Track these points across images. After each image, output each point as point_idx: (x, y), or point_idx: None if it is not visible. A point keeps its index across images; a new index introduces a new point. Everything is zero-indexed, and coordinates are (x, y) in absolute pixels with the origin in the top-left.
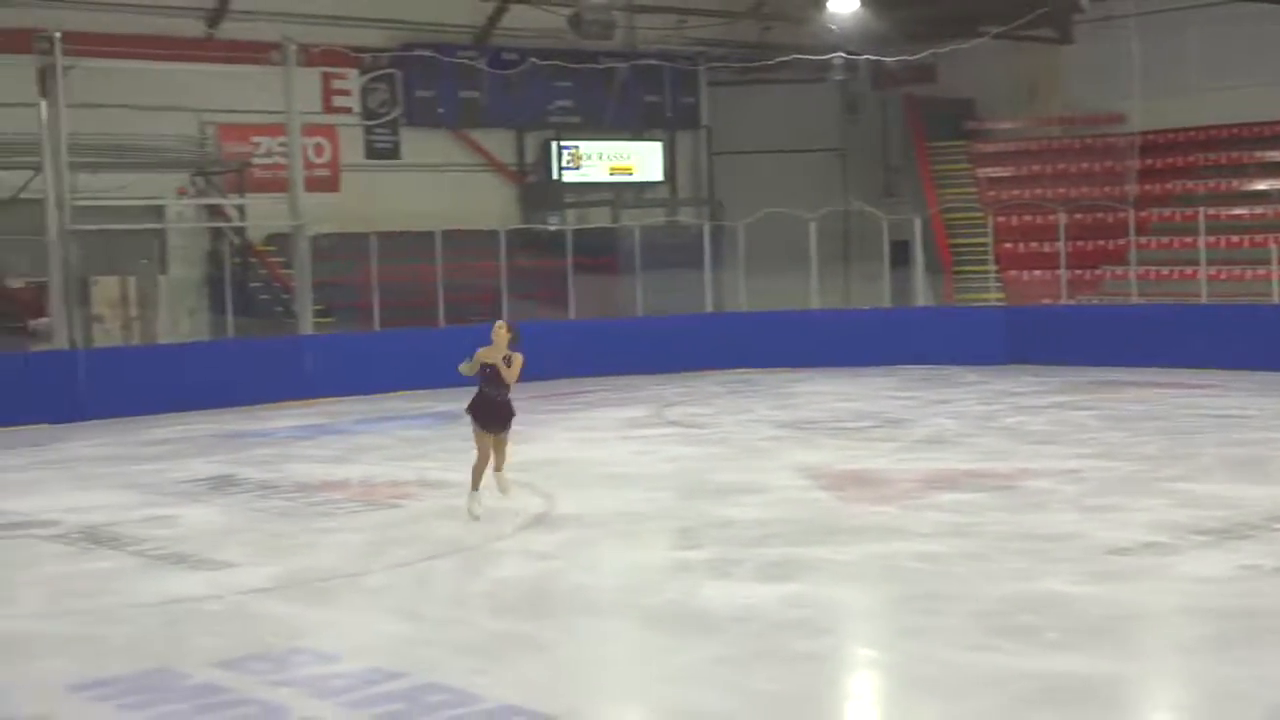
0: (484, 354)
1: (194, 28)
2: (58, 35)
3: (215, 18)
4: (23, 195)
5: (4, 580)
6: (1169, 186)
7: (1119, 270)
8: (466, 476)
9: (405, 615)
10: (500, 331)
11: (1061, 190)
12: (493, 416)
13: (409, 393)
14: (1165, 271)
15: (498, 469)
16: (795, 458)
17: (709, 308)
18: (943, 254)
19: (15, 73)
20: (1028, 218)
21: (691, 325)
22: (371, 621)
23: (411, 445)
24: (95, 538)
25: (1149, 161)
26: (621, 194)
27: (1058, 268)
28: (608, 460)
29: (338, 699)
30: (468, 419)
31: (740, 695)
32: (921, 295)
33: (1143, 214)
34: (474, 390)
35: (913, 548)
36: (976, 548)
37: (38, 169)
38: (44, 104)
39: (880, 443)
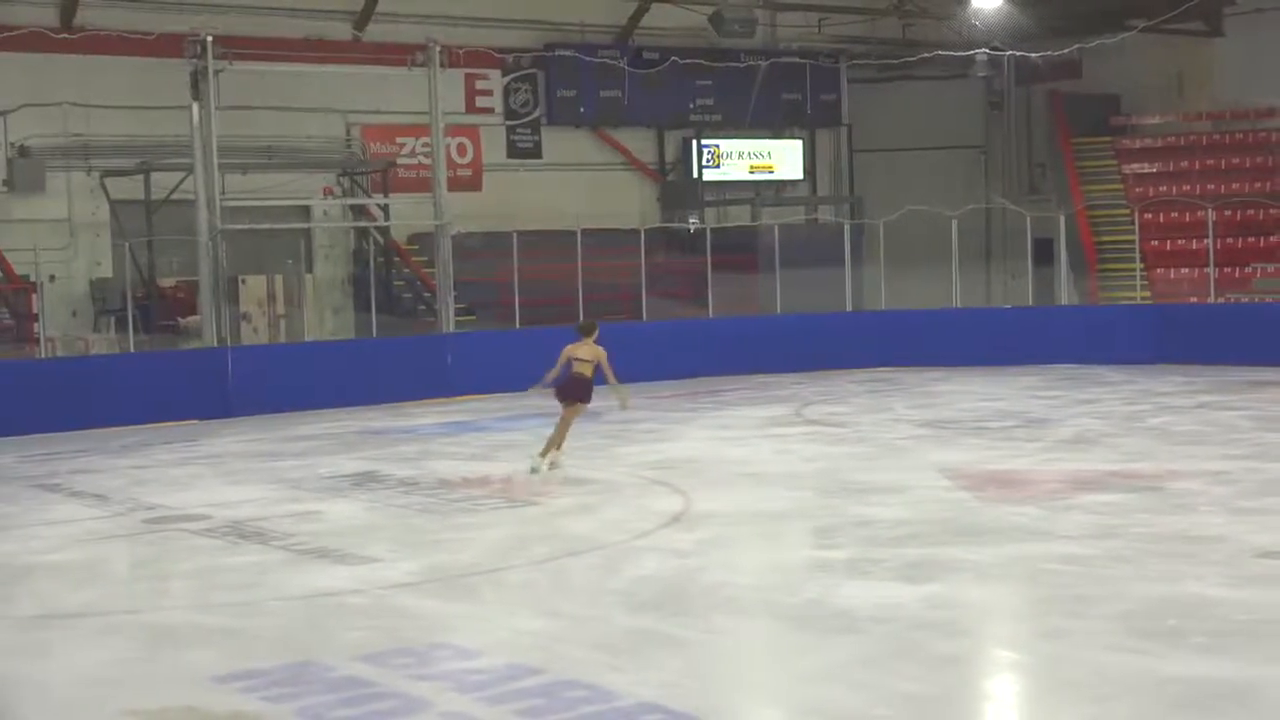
0: (571, 350)
1: (340, 30)
2: (209, 39)
3: (361, 20)
4: (175, 196)
5: (156, 573)
6: None
7: (1269, 268)
8: (603, 474)
9: (544, 612)
10: (585, 333)
11: (1210, 186)
12: (577, 388)
13: (548, 391)
14: None
15: (558, 445)
16: (935, 457)
17: (849, 306)
18: (1088, 252)
19: (169, 76)
20: (1175, 214)
21: (831, 324)
22: (511, 617)
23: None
24: (242, 532)
25: None
26: (761, 192)
27: (1206, 265)
28: (746, 459)
29: (478, 694)
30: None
31: (879, 696)
32: (1065, 293)
33: None
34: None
35: (1055, 549)
36: (1121, 549)
37: (189, 170)
38: (195, 107)
39: (1022, 442)
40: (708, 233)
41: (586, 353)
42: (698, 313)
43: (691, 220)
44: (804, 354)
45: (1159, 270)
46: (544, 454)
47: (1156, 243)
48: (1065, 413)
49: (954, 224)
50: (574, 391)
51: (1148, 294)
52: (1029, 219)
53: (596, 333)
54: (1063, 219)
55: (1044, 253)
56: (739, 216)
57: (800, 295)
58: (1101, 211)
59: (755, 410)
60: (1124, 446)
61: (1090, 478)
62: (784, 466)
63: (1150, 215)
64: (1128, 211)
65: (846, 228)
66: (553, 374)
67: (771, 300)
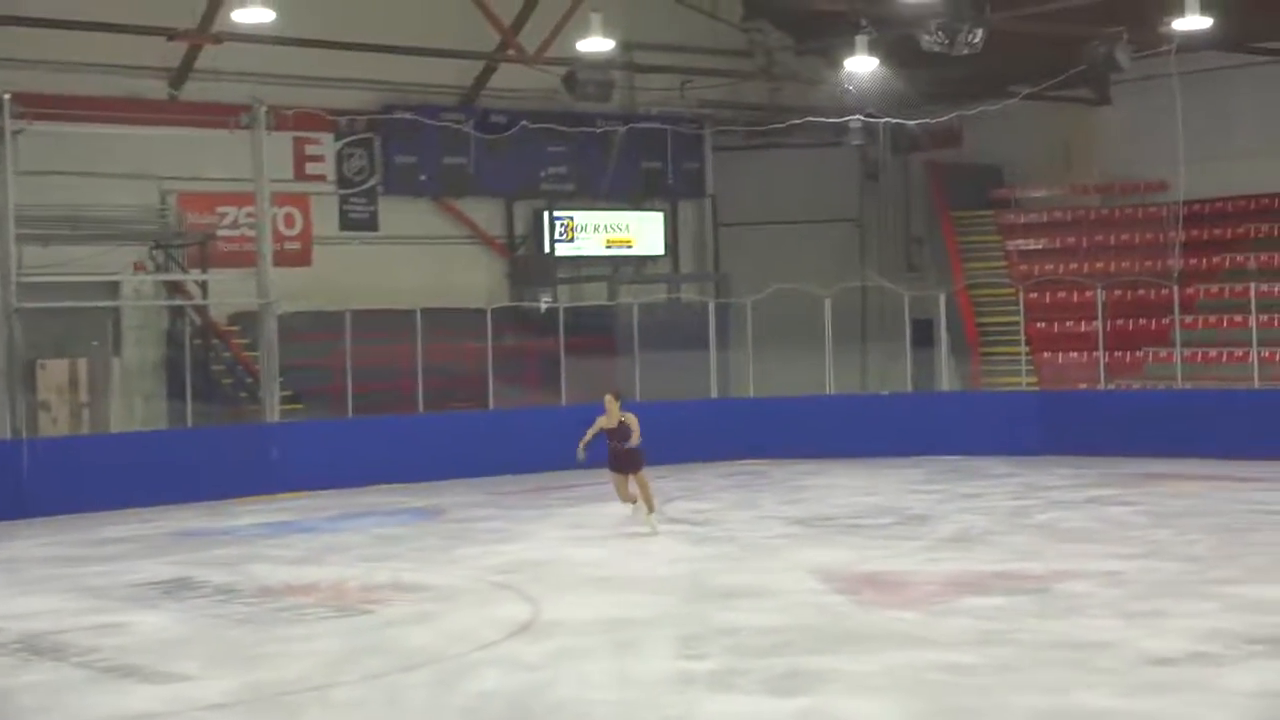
0: (604, 422)
1: (155, 89)
2: (6, 97)
3: (178, 78)
4: None
5: None
6: (1217, 260)
7: (1162, 352)
8: (443, 579)
9: None
10: (611, 401)
11: (1099, 264)
12: (626, 461)
13: (385, 486)
14: (1213, 353)
15: (650, 509)
16: (808, 558)
17: (714, 393)
18: (970, 334)
19: None
20: (1062, 294)
21: (695, 412)
22: None
23: (386, 544)
24: (36, 647)
25: (1194, 233)
26: (619, 268)
27: (1095, 349)
28: (601, 561)
29: None
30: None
31: None
32: (947, 379)
33: (1188, 290)
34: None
35: (937, 657)
36: (1007, 657)
37: None
38: None
39: (901, 541)
40: (560, 312)
41: (617, 422)
42: (549, 400)
43: (543, 299)
44: (665, 445)
45: (1045, 354)
46: (650, 513)
47: (1043, 324)
48: (946, 508)
49: (827, 303)
50: (627, 463)
51: (1034, 380)
52: (907, 298)
53: (622, 399)
54: (943, 298)
55: (923, 334)
56: (595, 295)
57: (661, 380)
58: (984, 290)
59: (611, 507)
60: (1009, 545)
61: (973, 579)
62: (642, 569)
63: (1035, 295)
64: (1012, 291)
65: (711, 307)
66: (586, 440)
67: (630, 386)
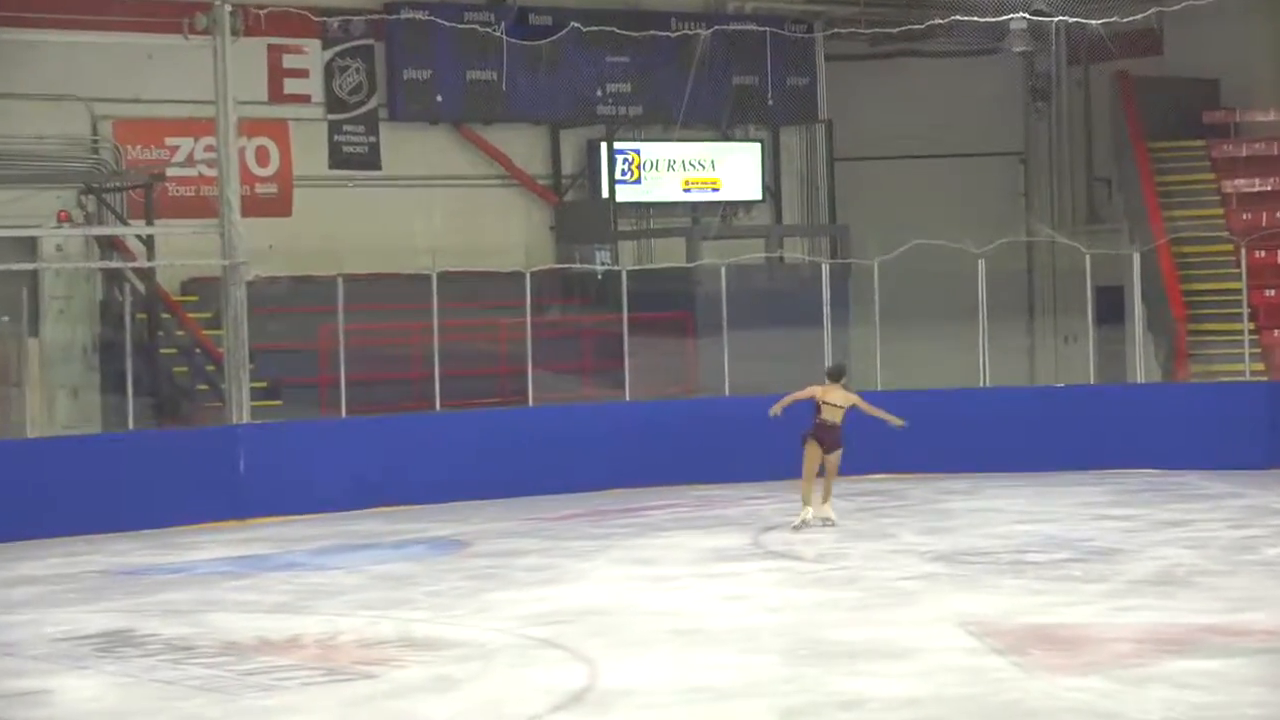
0: (819, 392)
1: None
2: None
3: None
4: None
5: None
6: None
7: None
8: (469, 633)
9: None
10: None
11: None
12: (829, 436)
13: (389, 509)
14: None
15: (825, 498)
16: (956, 605)
17: None
18: (1174, 306)
19: None
20: None
21: (804, 411)
22: None
23: (392, 586)
24: None
25: None
26: (702, 219)
27: None
28: (679, 609)
29: None
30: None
31: None
32: (1142, 367)
33: None
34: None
35: None
36: None
37: None
38: None
39: (1081, 584)
40: (623, 277)
41: (839, 398)
42: (609, 394)
43: (600, 259)
44: (765, 455)
45: (1276, 333)
46: (825, 500)
47: (1273, 293)
48: (1142, 540)
49: (981, 265)
50: (833, 441)
51: (1260, 367)
52: (1089, 259)
53: (846, 377)
54: (1136, 259)
55: (1111, 307)
56: (669, 254)
57: (758, 369)
58: (1194, 248)
59: (693, 537)
60: (1227, 589)
61: (1179, 635)
62: (734, 619)
63: (1263, 253)
64: (1230, 248)
65: (825, 270)
66: (785, 403)
67: (717, 376)
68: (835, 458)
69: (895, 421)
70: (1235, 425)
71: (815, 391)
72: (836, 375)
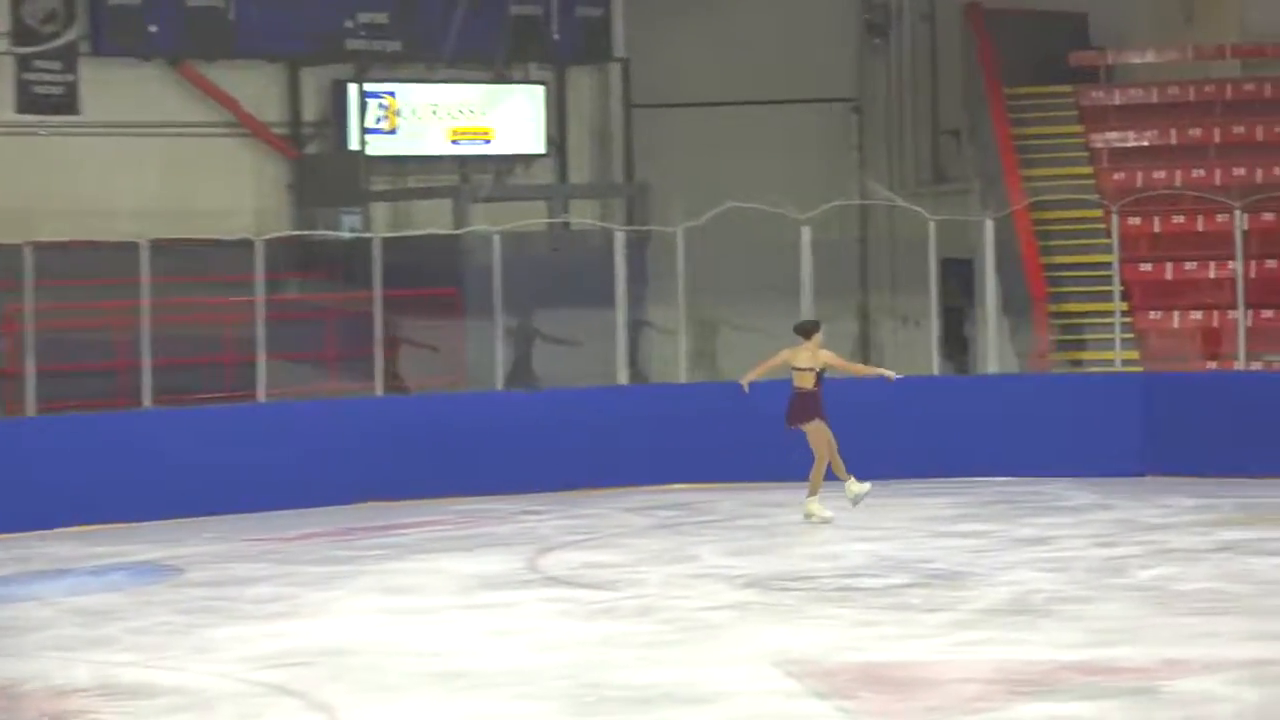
0: (790, 356)
1: None
2: None
3: None
4: None
5: None
6: None
7: None
8: (185, 678)
9: None
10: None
11: (1238, 171)
12: (796, 407)
13: (86, 529)
14: None
15: (810, 490)
16: (771, 641)
17: (622, 376)
18: (1033, 282)
19: None
20: (1180, 219)
21: (593, 407)
22: None
23: (90, 622)
24: None
25: None
26: (471, 176)
27: (1232, 306)
28: (439, 647)
29: None
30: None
31: None
32: (995, 354)
33: None
34: None
35: None
36: None
37: None
38: None
39: (921, 614)
40: (376, 247)
41: (806, 359)
42: (357, 388)
43: (349, 224)
44: (545, 461)
45: (1152, 314)
46: (809, 493)
47: (1149, 267)
48: (994, 561)
49: (805, 233)
50: (797, 414)
51: (1134, 356)
52: (933, 226)
53: (819, 333)
54: (990, 226)
55: (960, 283)
56: (433, 219)
57: (539, 356)
58: (1058, 214)
59: (456, 560)
60: (1094, 618)
61: (1037, 674)
62: (505, 660)
63: (1138, 220)
64: (1100, 215)
65: (620, 239)
66: (756, 373)
67: (490, 365)
68: (814, 434)
69: (887, 375)
70: (1104, 424)
71: (785, 356)
72: (804, 332)
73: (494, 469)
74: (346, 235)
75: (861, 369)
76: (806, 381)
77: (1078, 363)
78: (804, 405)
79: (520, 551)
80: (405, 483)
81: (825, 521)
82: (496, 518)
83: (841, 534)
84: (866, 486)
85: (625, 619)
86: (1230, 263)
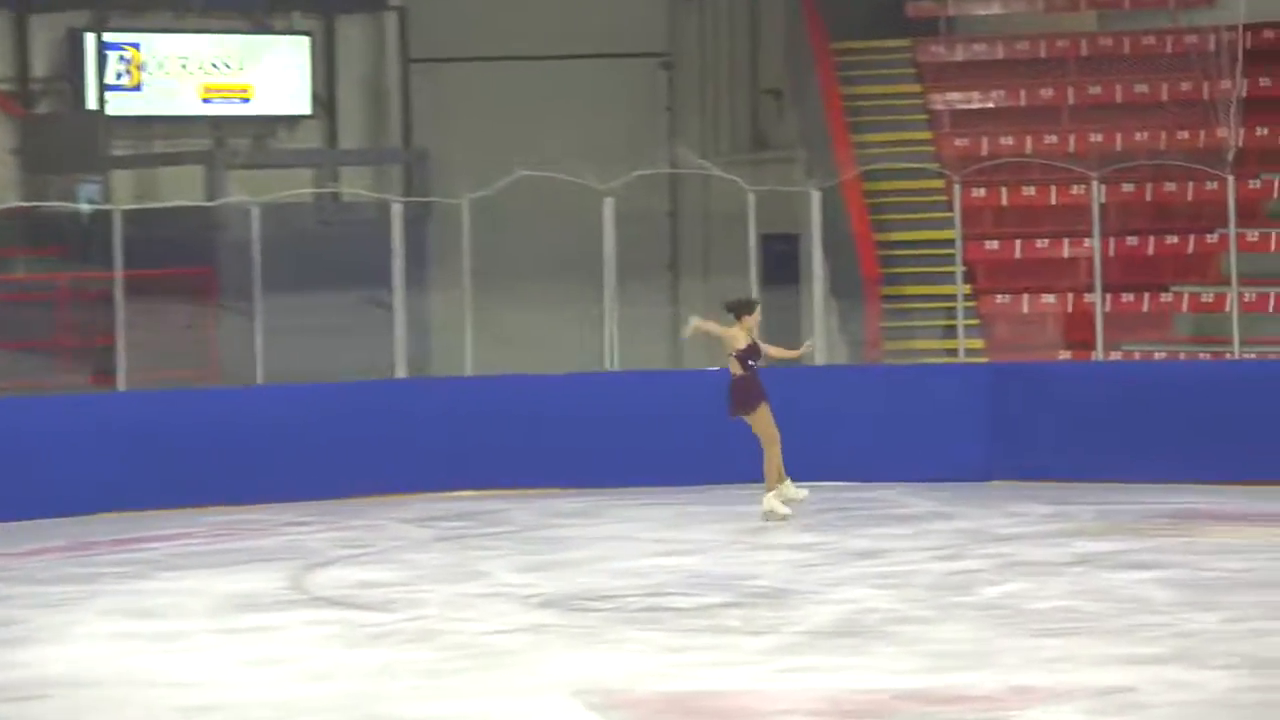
0: (728, 332)
1: None
2: None
3: None
4: None
5: None
6: None
7: (1206, 294)
8: None
9: None
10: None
11: (1095, 138)
12: (731, 396)
13: None
14: None
15: (771, 483)
16: (570, 668)
17: (401, 369)
18: (865, 261)
19: None
20: (1029, 190)
21: (368, 404)
22: None
23: None
24: None
25: (1263, 81)
26: (228, 140)
27: (1088, 289)
28: (190, 677)
29: None
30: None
31: None
32: (824, 343)
33: (1251, 184)
34: None
35: None
36: None
37: None
38: None
39: (741, 637)
40: (117, 220)
41: (744, 341)
42: (96, 383)
43: (85, 195)
44: (313, 464)
45: (999, 299)
46: (770, 490)
47: (994, 245)
48: (822, 577)
49: (608, 206)
50: (740, 402)
51: (979, 345)
52: (752, 198)
53: (748, 311)
54: (817, 198)
55: (783, 263)
56: (182, 189)
57: (304, 348)
58: (893, 185)
59: (209, 578)
60: (935, 641)
61: (870, 703)
62: (265, 691)
63: (983, 192)
64: (940, 185)
65: (397, 212)
66: (707, 327)
67: (247, 357)
68: (756, 424)
69: (804, 349)
70: (946, 423)
71: (729, 333)
72: (733, 311)
73: (253, 474)
74: (83, 207)
75: (776, 353)
76: (735, 367)
77: (915, 353)
78: (740, 393)
79: (283, 568)
80: (151, 491)
81: (783, 520)
82: (256, 530)
83: (650, 547)
84: (803, 493)
85: (404, 645)
86: (1086, 240)
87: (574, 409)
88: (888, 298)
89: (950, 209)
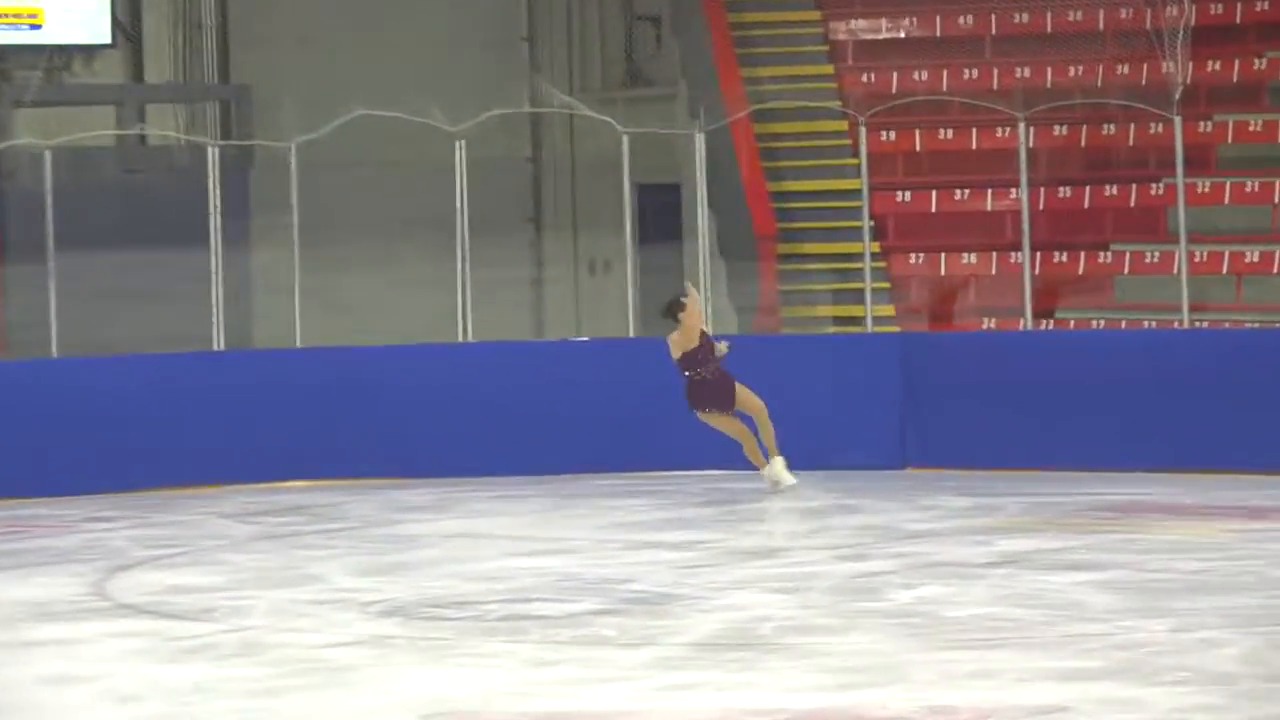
0: (678, 340)
1: None
2: None
3: None
4: None
5: None
6: (1256, 67)
7: (1150, 253)
8: None
9: None
10: (693, 302)
11: (1022, 73)
12: (715, 393)
13: None
14: (1250, 254)
15: (773, 450)
16: (418, 686)
17: (219, 340)
18: (758, 216)
19: None
20: (947, 133)
21: (178, 379)
22: None
23: None
24: None
25: (1213, 9)
26: (16, 73)
27: (1014, 249)
28: None
29: None
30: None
31: None
32: (709, 309)
33: (1199, 127)
34: None
35: None
36: None
37: None
38: None
39: (616, 649)
40: None
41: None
42: None
43: None
44: (114, 450)
45: (911, 258)
46: (776, 455)
47: (905, 197)
48: (709, 579)
49: (459, 150)
50: (716, 398)
51: (889, 311)
52: (627, 141)
53: (680, 309)
54: (701, 142)
55: (663, 217)
56: None
57: (106, 317)
58: (789, 127)
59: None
60: (839, 653)
61: None
62: (69, 714)
63: (892, 135)
64: (844, 127)
65: (214, 156)
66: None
67: (37, 327)
68: (742, 400)
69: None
70: (849, 401)
71: (675, 342)
72: (669, 315)
73: (46, 463)
74: None
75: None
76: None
77: (815, 320)
78: (719, 385)
79: (84, 571)
80: None
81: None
82: (50, 526)
83: (510, 546)
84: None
85: (225, 659)
86: (1013, 191)
87: (421, 386)
88: (783, 257)
89: (855, 154)
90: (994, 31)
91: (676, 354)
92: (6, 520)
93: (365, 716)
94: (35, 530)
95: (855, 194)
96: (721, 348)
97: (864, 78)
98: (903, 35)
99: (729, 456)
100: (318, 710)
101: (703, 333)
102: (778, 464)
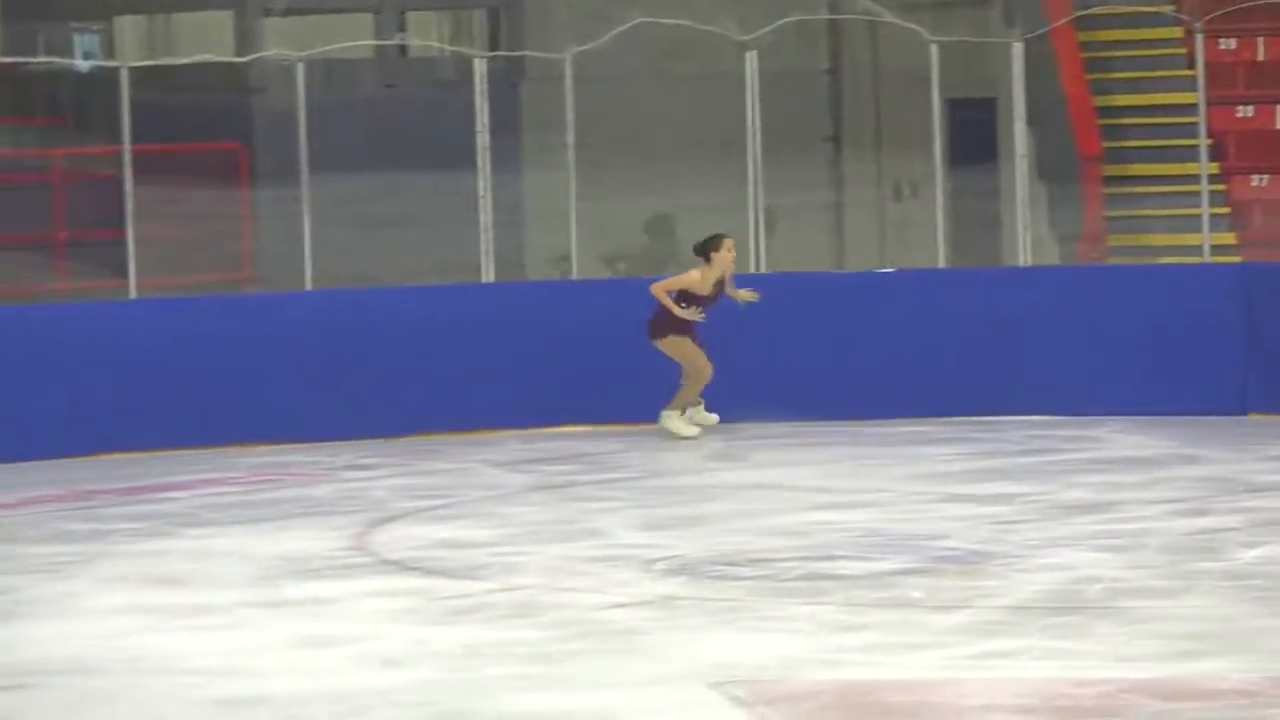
0: (699, 279)
1: None
2: None
3: None
4: None
5: None
6: None
7: None
8: None
9: None
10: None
11: None
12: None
13: None
14: None
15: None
16: (708, 652)
17: (487, 272)
18: (1082, 134)
19: None
20: None
21: (442, 313)
22: None
23: None
24: None
25: None
26: None
27: None
28: (229, 662)
29: None
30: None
31: None
32: (1026, 239)
33: None
34: None
35: None
36: None
37: None
38: None
39: (927, 614)
40: (123, 81)
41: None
42: (105, 286)
43: (82, 49)
44: (377, 393)
45: (1254, 181)
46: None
47: (1248, 112)
48: (1029, 536)
49: (751, 62)
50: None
51: (1231, 239)
52: (935, 51)
53: (714, 248)
54: (1020, 52)
55: (976, 136)
56: (206, 40)
57: (364, 245)
58: (1116, 34)
59: (250, 536)
60: (1174, 619)
61: (1099, 701)
62: (323, 680)
63: (1233, 44)
64: (1180, 34)
65: (480, 70)
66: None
67: (292, 256)
68: (671, 352)
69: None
70: (1186, 340)
71: (694, 279)
72: (701, 253)
73: (302, 406)
74: (81, 64)
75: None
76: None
77: (1146, 250)
78: (660, 321)
79: (344, 524)
80: (171, 425)
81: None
82: (309, 475)
83: (809, 499)
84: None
85: (498, 622)
86: None
87: (706, 324)
88: (1110, 180)
89: (1191, 65)
90: None
91: (679, 287)
92: (260, 468)
93: (649, 685)
94: (291, 479)
95: (1191, 109)
96: (749, 295)
97: None
98: None
99: (1051, 402)
100: (597, 677)
101: (719, 284)
102: (674, 415)
